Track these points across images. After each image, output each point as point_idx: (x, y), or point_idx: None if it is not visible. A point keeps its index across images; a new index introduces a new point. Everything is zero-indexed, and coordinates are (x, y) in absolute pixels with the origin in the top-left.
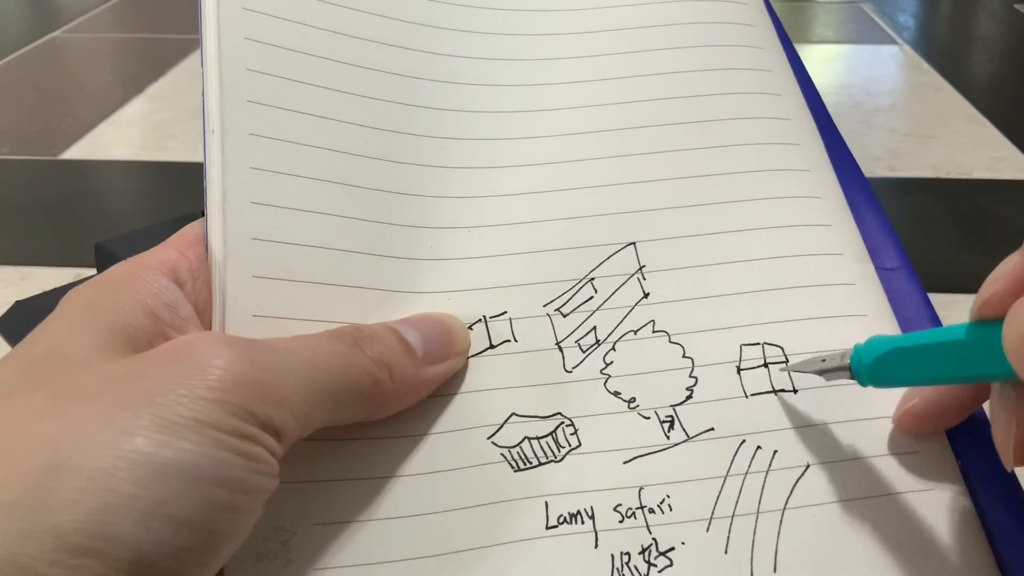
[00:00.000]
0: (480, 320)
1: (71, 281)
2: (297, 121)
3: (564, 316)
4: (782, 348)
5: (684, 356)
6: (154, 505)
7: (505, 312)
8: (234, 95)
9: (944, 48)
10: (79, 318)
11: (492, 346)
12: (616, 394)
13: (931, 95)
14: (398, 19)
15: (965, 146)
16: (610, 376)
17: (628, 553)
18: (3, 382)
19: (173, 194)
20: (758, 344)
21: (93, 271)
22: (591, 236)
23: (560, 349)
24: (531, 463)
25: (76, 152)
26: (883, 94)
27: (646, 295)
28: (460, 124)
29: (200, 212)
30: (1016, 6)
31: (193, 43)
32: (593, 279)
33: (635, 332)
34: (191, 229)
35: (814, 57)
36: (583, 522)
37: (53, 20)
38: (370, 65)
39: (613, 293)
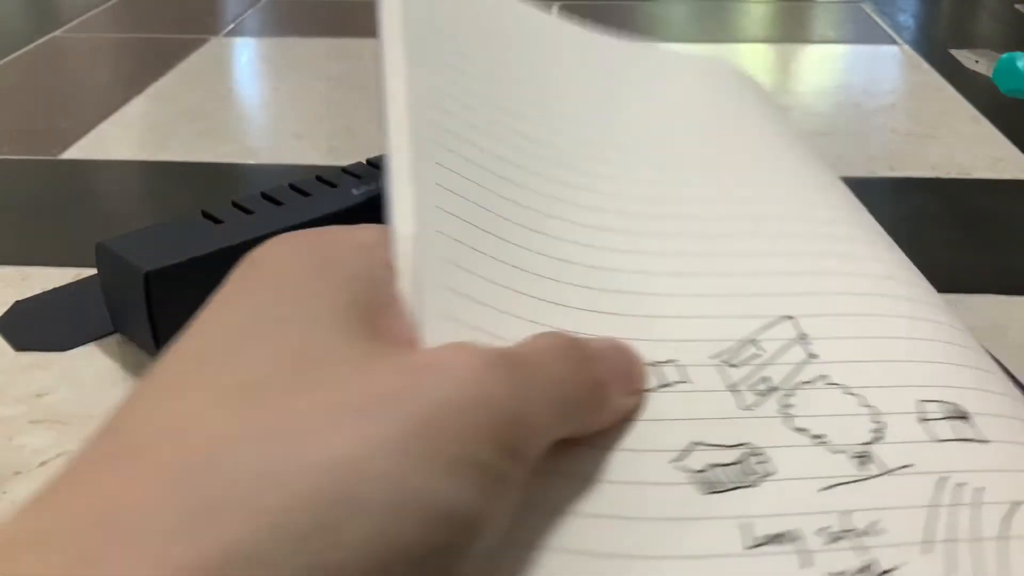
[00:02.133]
0: (652, 364)
1: (71, 281)
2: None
3: (732, 367)
4: (959, 405)
5: (864, 405)
6: (429, 551)
7: (675, 360)
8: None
9: (944, 48)
10: (311, 296)
11: (667, 384)
12: (801, 431)
13: (931, 95)
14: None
15: (965, 146)
16: (792, 416)
17: (843, 573)
18: (266, 374)
19: (173, 194)
20: (937, 401)
21: (93, 271)
22: (748, 309)
23: (734, 392)
24: (719, 488)
25: (76, 152)
26: (883, 94)
27: (813, 356)
28: (641, 228)
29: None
30: (1016, 6)
31: (193, 42)
32: (755, 341)
33: (808, 383)
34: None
35: (814, 57)
36: (787, 543)
37: (53, 20)
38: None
39: (777, 353)
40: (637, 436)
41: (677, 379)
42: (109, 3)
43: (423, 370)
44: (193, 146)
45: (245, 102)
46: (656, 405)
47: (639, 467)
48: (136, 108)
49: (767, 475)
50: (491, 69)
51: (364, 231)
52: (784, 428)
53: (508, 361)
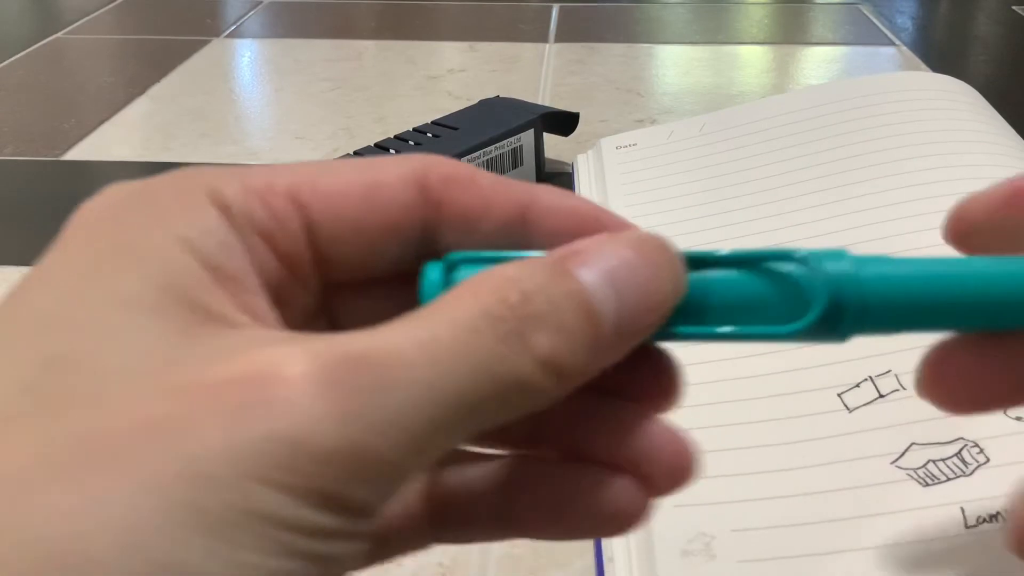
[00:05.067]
0: (866, 379)
1: None
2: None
3: None
4: None
5: None
6: None
7: (890, 370)
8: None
9: (942, 49)
10: (103, 277)
11: (881, 396)
12: (1019, 419)
13: None
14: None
15: None
16: None
17: None
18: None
19: None
20: None
21: None
22: None
23: None
24: (939, 479)
25: (78, 153)
26: None
27: None
28: None
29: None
30: (1014, 8)
31: (195, 44)
32: None
33: None
34: (284, 176)
35: (813, 59)
36: (1005, 520)
37: (55, 22)
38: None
39: None
40: (859, 445)
41: (894, 388)
42: (111, 5)
43: (206, 392)
44: (195, 147)
45: (246, 103)
46: (876, 415)
47: (862, 472)
48: (138, 109)
49: (982, 464)
50: None
51: (224, 176)
52: (1000, 419)
53: (347, 369)
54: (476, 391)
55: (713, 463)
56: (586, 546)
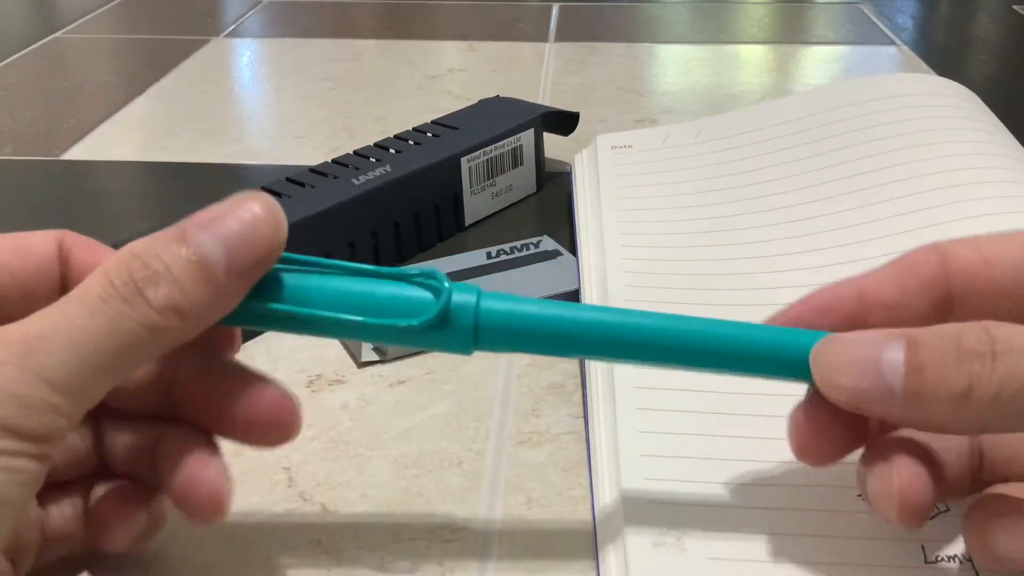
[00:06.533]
0: None
1: None
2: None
3: None
4: None
5: None
6: None
7: None
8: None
9: (943, 49)
10: None
11: None
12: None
13: None
14: None
15: None
16: None
17: None
18: None
19: (175, 195)
20: None
21: None
22: None
23: None
24: None
25: (77, 152)
26: None
27: None
28: None
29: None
30: (1015, 7)
31: (194, 43)
32: None
33: None
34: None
35: (813, 58)
36: (962, 563)
37: (55, 21)
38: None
39: None
40: (830, 474)
41: None
42: (111, 4)
43: None
44: (194, 147)
45: (246, 103)
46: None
47: (830, 498)
48: (137, 109)
49: (942, 512)
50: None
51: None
52: None
53: (14, 345)
54: (116, 339)
55: (688, 469)
56: (586, 547)
